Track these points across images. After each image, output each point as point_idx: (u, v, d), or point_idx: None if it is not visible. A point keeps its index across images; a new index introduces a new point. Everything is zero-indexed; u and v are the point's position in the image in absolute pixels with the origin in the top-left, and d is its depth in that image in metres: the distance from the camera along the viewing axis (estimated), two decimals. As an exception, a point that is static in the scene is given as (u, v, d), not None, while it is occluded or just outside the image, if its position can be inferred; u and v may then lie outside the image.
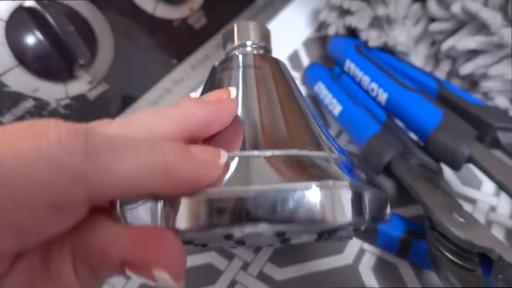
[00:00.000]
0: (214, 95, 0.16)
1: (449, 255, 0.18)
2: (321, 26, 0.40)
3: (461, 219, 0.20)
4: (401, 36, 0.31)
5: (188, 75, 0.34)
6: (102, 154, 0.11)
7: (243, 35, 0.21)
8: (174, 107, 0.14)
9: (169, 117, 0.14)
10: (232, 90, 0.17)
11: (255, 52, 0.21)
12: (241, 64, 0.19)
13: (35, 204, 0.10)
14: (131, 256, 0.11)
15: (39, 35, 0.24)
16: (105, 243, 0.12)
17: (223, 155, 0.14)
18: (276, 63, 0.20)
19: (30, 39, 0.24)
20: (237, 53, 0.20)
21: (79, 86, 0.27)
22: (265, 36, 0.22)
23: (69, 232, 0.12)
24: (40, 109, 0.25)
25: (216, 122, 0.15)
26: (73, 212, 0.11)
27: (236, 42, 0.21)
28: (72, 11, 0.25)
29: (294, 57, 0.39)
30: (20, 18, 0.23)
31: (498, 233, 0.24)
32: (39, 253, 0.12)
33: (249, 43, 0.21)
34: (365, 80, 0.30)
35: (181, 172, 0.12)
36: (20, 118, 0.24)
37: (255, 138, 0.16)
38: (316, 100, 0.34)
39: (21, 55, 0.24)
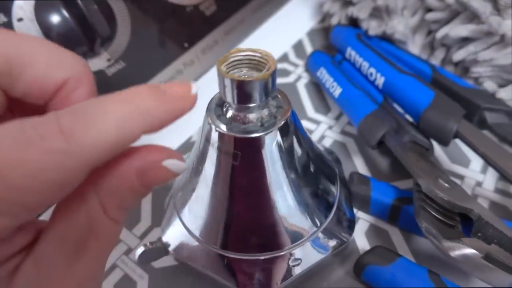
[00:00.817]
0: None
1: (433, 213, 0.20)
2: (325, 17, 0.43)
3: (446, 185, 0.22)
4: (400, 26, 0.33)
5: (198, 58, 0.36)
6: (76, 127, 0.11)
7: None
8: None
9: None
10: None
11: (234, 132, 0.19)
12: (216, 146, 0.19)
13: (44, 187, 0.11)
14: (140, 163, 0.13)
15: (65, 13, 0.26)
16: (117, 167, 0.13)
17: (194, 87, 0.14)
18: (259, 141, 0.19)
19: (57, 17, 0.26)
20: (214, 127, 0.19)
21: (99, 62, 0.29)
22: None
23: (88, 184, 0.12)
24: (64, 82, 0.27)
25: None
26: (79, 177, 0.12)
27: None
28: (95, -8, 0.28)
29: (299, 46, 0.41)
30: (49, -3, 0.26)
31: (483, 205, 0.26)
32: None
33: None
34: (365, 65, 0.32)
35: (160, 113, 0.13)
36: (46, 88, 0.27)
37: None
38: (318, 85, 0.37)
39: (48, 31, 0.26)
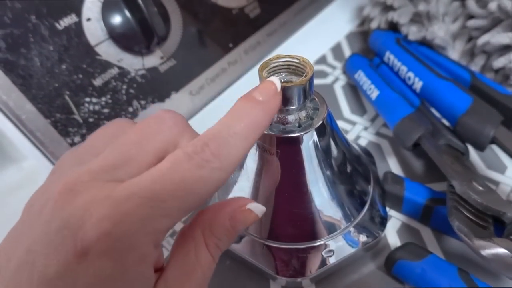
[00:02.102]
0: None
1: (466, 213, 0.21)
2: (364, 21, 0.43)
3: (480, 188, 0.23)
4: (440, 32, 0.34)
5: (241, 58, 0.38)
6: (221, 150, 0.15)
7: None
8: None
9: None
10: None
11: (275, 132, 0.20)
12: (257, 144, 0.21)
13: (206, 195, 0.15)
14: (231, 208, 0.17)
15: (128, 14, 0.29)
16: (216, 214, 0.17)
17: (276, 83, 0.18)
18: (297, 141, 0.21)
19: (120, 17, 0.29)
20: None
21: (153, 59, 0.32)
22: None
23: (196, 223, 0.17)
24: (122, 76, 0.30)
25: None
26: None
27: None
28: (154, -4, 0.30)
29: (337, 49, 0.42)
30: (114, 0, 0.29)
31: (517, 210, 0.26)
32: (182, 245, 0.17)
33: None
34: (403, 69, 0.33)
35: (261, 119, 0.17)
36: (107, 82, 0.30)
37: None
38: (355, 87, 0.38)
39: (112, 30, 0.29)
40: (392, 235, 0.26)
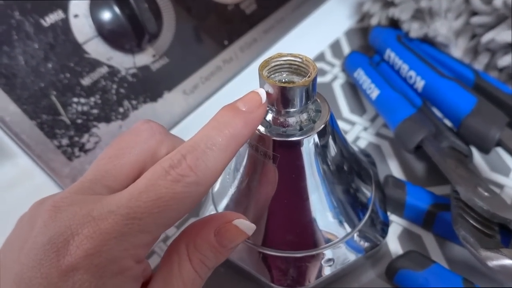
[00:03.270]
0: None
1: (471, 221, 0.20)
2: (364, 17, 0.42)
3: (486, 193, 0.22)
4: (443, 28, 0.33)
5: (236, 56, 0.37)
6: (198, 163, 0.15)
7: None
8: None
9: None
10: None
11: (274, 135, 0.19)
12: (255, 147, 0.20)
13: (184, 210, 0.15)
14: (217, 223, 0.17)
15: (117, 10, 0.28)
16: (201, 229, 0.17)
17: (262, 94, 0.17)
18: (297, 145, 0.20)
19: (110, 14, 0.28)
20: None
21: (144, 58, 0.30)
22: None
23: (181, 238, 0.17)
24: (112, 76, 0.29)
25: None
26: (201, 198, 0.16)
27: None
28: (145, -9, 0.29)
29: (336, 46, 0.41)
30: (103, -5, 0.27)
31: (522, 215, 0.25)
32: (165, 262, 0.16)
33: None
34: (404, 68, 0.32)
35: (242, 130, 0.16)
36: (96, 82, 0.28)
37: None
38: (354, 85, 0.37)
39: (101, 28, 0.28)
40: (393, 241, 0.25)
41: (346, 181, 0.22)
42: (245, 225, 0.17)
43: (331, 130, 0.21)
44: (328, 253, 0.22)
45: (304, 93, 0.18)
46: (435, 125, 0.27)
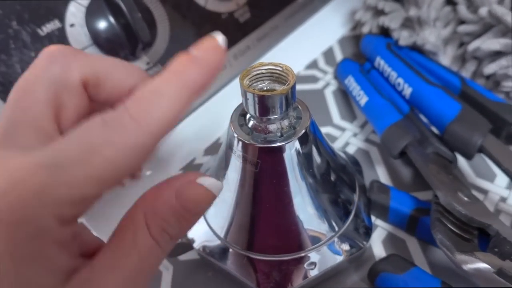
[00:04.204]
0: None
1: (449, 226, 0.21)
2: (356, 25, 0.43)
3: (466, 199, 0.22)
4: (431, 37, 0.33)
5: (230, 64, 0.38)
6: (142, 113, 0.14)
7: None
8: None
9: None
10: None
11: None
12: (238, 154, 0.20)
13: (126, 161, 0.13)
14: (178, 183, 0.15)
15: (112, 20, 0.29)
16: (160, 191, 0.15)
17: (218, 37, 0.15)
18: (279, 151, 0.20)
19: (104, 23, 0.29)
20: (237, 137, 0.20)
21: (139, 65, 0.31)
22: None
23: (138, 205, 0.15)
24: (107, 82, 0.30)
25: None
26: (149, 150, 0.14)
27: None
28: (139, 0, 0.30)
29: (329, 53, 0.42)
30: (98, 5, 0.28)
31: (505, 221, 0.26)
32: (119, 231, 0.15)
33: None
34: (393, 75, 0.33)
35: (196, 77, 0.14)
36: (91, 88, 0.29)
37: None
38: (346, 92, 0.37)
39: (96, 36, 0.29)
40: (377, 246, 0.26)
41: (329, 185, 0.23)
42: (211, 183, 0.15)
43: (312, 136, 0.21)
44: (311, 257, 0.23)
45: (283, 101, 0.19)
46: (420, 131, 0.28)
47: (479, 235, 0.21)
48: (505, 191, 0.27)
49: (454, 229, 0.21)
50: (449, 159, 0.26)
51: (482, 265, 0.18)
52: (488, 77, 0.31)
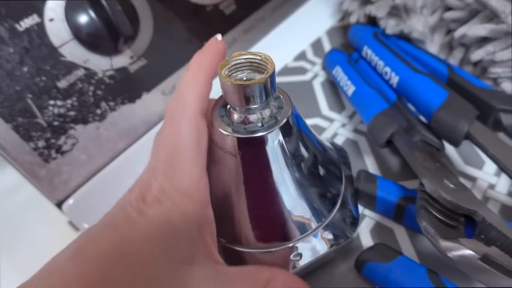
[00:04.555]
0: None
1: (435, 213, 0.20)
2: (345, 15, 0.43)
3: (452, 186, 0.22)
4: (418, 25, 0.33)
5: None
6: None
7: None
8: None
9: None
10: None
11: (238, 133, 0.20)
12: (219, 145, 0.21)
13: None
14: None
15: (92, 13, 0.28)
16: None
17: (218, 36, 0.22)
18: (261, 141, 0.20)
19: (85, 17, 0.28)
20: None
21: (122, 60, 0.31)
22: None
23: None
24: (89, 78, 0.29)
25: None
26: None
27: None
28: (120, -6, 0.29)
29: (317, 44, 0.41)
30: (77, -1, 0.28)
31: (493, 208, 0.25)
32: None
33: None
34: (380, 64, 0.32)
35: (209, 61, 0.21)
36: (73, 84, 0.29)
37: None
38: (334, 83, 0.37)
39: (76, 31, 0.28)
40: (365, 235, 0.25)
41: (314, 176, 0.23)
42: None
43: (295, 126, 0.21)
44: (297, 248, 0.22)
45: (263, 90, 0.18)
46: (407, 119, 0.27)
47: (466, 222, 0.21)
48: (493, 178, 0.27)
49: (440, 216, 0.20)
50: (437, 147, 0.26)
51: (467, 252, 0.18)
52: (475, 64, 0.31)
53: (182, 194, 0.17)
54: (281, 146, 0.20)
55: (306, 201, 0.22)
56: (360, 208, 0.27)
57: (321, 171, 0.23)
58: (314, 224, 0.23)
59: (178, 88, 0.20)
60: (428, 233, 0.19)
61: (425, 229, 0.19)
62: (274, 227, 0.22)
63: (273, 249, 0.22)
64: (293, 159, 0.21)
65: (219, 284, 0.16)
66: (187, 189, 0.17)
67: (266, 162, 0.20)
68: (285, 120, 0.20)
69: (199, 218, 0.17)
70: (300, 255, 0.22)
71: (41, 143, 0.27)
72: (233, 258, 0.23)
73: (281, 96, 0.21)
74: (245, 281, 0.17)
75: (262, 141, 0.20)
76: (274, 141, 0.20)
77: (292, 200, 0.22)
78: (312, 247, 0.23)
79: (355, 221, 0.24)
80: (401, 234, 0.25)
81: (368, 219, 0.26)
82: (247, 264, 0.23)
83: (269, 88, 0.19)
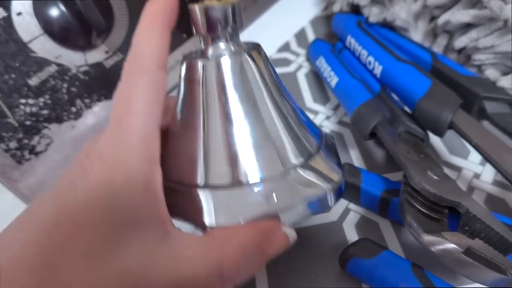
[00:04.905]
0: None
1: (418, 206, 0.20)
2: (328, 4, 0.42)
3: (435, 177, 0.21)
4: (402, 12, 0.32)
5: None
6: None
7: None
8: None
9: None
10: None
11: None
12: (184, 76, 0.19)
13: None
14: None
15: (62, 7, 0.27)
16: None
17: None
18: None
19: (54, 11, 0.27)
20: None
21: (97, 55, 0.30)
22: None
23: None
24: (62, 74, 0.28)
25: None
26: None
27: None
28: (91, -15, 0.28)
29: (301, 35, 0.41)
30: (45, -9, 0.26)
31: (479, 198, 0.25)
32: None
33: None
34: (364, 54, 0.32)
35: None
36: (45, 81, 0.27)
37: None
38: (318, 75, 0.36)
39: (46, 25, 0.27)
40: (350, 230, 0.25)
41: (289, 118, 0.20)
42: (290, 233, 0.18)
43: (269, 67, 0.20)
44: (263, 188, 0.19)
45: (229, 15, 0.18)
46: (391, 110, 0.27)
47: (450, 215, 0.20)
48: (478, 167, 0.27)
49: (423, 210, 0.20)
50: (421, 137, 0.25)
51: (450, 246, 0.18)
52: (459, 51, 0.30)
53: (127, 150, 0.16)
54: (247, 76, 0.19)
55: (279, 138, 0.19)
56: (346, 202, 0.26)
57: (297, 119, 0.21)
58: (283, 166, 0.19)
59: (133, 42, 0.18)
60: (411, 227, 0.19)
61: (408, 223, 0.19)
62: (239, 163, 0.19)
63: (240, 189, 0.19)
64: (267, 88, 0.20)
65: (167, 250, 0.15)
66: (133, 145, 0.16)
67: (224, 89, 0.19)
68: (256, 51, 0.19)
69: (145, 177, 0.16)
70: (272, 196, 0.19)
71: (13, 144, 0.26)
72: (182, 200, 0.19)
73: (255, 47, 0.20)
74: (198, 256, 0.16)
75: (224, 66, 0.18)
76: (240, 68, 0.19)
77: (263, 135, 0.19)
78: (282, 189, 0.19)
79: (338, 167, 0.21)
80: (386, 227, 0.25)
81: (353, 213, 0.26)
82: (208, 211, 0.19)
83: (236, 17, 0.19)
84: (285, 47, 0.39)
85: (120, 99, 0.17)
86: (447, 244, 0.18)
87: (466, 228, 0.19)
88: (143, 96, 0.16)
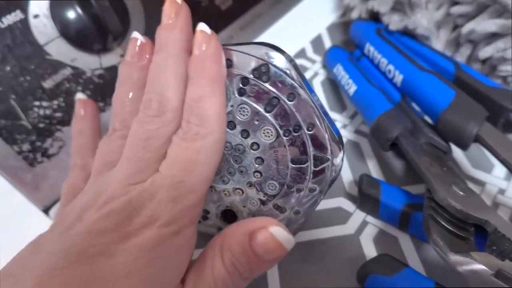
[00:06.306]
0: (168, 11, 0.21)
1: (443, 223, 0.19)
2: (346, 11, 0.41)
3: (461, 193, 0.20)
4: (423, 20, 0.31)
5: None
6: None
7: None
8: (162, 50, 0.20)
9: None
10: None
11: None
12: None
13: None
14: (252, 226, 0.16)
15: (79, 10, 0.26)
16: (236, 231, 0.17)
17: (205, 29, 0.20)
18: None
19: (71, 14, 0.27)
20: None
21: (111, 58, 0.29)
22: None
23: (218, 236, 0.17)
24: (77, 77, 0.28)
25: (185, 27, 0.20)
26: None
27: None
28: (108, -12, 0.28)
29: (317, 41, 0.40)
30: (63, -6, 0.26)
31: (504, 214, 0.24)
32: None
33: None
34: (383, 62, 0.31)
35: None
36: (59, 84, 0.27)
37: None
38: (335, 82, 0.35)
39: (62, 28, 0.27)
40: (368, 244, 0.24)
41: None
42: (282, 235, 0.16)
43: None
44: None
45: None
46: (412, 120, 0.26)
47: (476, 232, 0.19)
48: (503, 183, 0.26)
49: (448, 227, 0.19)
50: (443, 150, 0.25)
51: (479, 267, 0.17)
52: (484, 61, 0.29)
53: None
54: None
55: None
56: (363, 215, 0.25)
57: None
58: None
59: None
60: (437, 245, 0.18)
61: (433, 241, 0.18)
62: None
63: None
64: None
65: None
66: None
67: None
68: None
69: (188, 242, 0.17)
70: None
71: (25, 146, 0.26)
72: None
73: None
74: None
75: None
76: None
77: None
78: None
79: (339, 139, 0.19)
80: (406, 243, 0.24)
81: (371, 226, 0.25)
82: None
83: None
84: (301, 54, 0.39)
85: None
86: (475, 265, 0.17)
87: (494, 247, 0.19)
88: None
